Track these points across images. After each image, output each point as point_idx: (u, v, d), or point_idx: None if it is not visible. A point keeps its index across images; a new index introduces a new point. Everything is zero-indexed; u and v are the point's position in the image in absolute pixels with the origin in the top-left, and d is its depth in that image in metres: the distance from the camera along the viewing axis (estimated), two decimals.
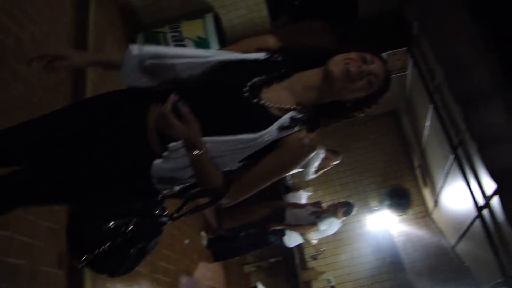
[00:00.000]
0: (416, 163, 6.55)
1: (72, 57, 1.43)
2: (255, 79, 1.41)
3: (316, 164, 5.24)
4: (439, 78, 4.31)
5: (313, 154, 1.47)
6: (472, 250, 4.88)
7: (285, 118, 1.36)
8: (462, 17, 3.05)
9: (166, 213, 1.45)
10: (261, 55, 1.46)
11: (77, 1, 3.59)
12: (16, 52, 2.57)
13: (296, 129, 1.38)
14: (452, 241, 5.49)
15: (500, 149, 2.98)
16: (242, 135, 1.31)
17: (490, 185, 3.54)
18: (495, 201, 3.54)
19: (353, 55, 1.42)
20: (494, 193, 3.53)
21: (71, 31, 3.39)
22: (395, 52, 5.02)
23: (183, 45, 4.38)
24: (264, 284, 5.53)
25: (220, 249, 5.49)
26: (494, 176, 3.10)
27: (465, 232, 4.82)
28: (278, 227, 5.40)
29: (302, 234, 5.45)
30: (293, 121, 1.37)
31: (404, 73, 5.32)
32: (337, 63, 1.39)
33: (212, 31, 4.38)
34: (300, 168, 5.03)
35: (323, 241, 6.02)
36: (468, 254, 5.12)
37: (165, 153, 1.31)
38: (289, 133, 1.37)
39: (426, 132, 5.39)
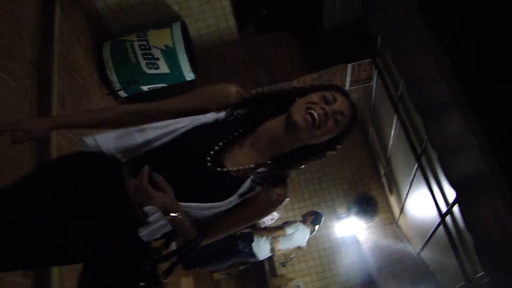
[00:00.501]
0: (382, 171, 6.63)
1: (33, 129, 1.40)
2: (217, 147, 1.36)
3: None
4: (402, 89, 4.40)
5: (283, 203, 1.46)
6: (436, 255, 4.98)
7: (245, 185, 1.36)
8: (421, 33, 3.15)
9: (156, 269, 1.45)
10: (221, 115, 1.41)
11: (41, 7, 3.53)
12: None
13: (258, 189, 1.37)
14: (418, 247, 5.60)
15: (458, 159, 3.06)
16: (207, 204, 1.33)
17: (452, 193, 3.62)
18: (457, 209, 3.62)
19: (314, 97, 1.37)
20: (455, 201, 3.63)
21: (36, 38, 3.34)
22: (360, 63, 5.07)
23: (151, 54, 4.35)
24: None
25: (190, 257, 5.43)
26: (453, 184, 3.19)
27: (430, 238, 4.93)
28: (245, 230, 5.40)
29: (270, 243, 5.46)
30: (255, 184, 1.37)
31: (370, 83, 5.40)
32: (299, 111, 1.34)
33: (180, 40, 4.36)
34: None
35: None
36: (433, 260, 5.23)
37: (147, 220, 1.33)
38: (251, 194, 1.37)
39: (391, 141, 5.47)
